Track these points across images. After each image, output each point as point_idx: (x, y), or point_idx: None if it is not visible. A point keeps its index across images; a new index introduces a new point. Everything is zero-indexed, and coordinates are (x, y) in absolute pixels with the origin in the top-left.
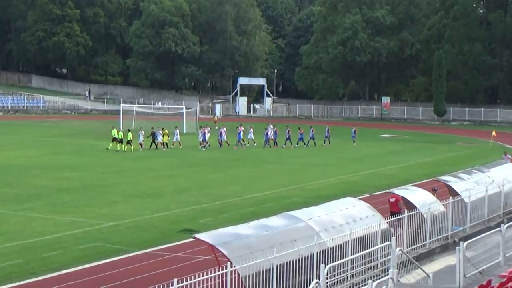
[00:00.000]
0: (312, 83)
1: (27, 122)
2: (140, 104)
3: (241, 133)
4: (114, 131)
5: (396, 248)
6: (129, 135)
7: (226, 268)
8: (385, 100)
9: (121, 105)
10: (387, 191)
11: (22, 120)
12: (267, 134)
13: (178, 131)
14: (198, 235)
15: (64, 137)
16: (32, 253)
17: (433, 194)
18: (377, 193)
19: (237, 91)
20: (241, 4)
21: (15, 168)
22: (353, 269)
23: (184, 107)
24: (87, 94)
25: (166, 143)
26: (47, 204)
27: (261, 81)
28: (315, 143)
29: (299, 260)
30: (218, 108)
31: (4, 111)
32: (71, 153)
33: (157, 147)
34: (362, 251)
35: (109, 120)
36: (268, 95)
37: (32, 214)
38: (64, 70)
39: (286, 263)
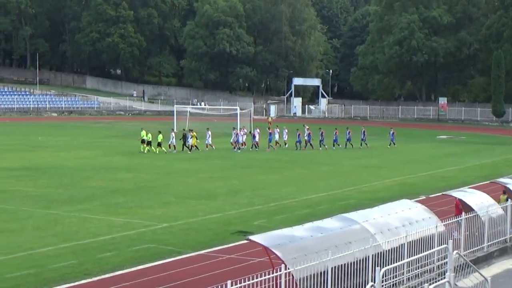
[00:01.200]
0: (367, 83)
1: (81, 123)
2: (194, 105)
3: (277, 134)
4: (143, 133)
5: (453, 251)
6: (160, 137)
7: (280, 271)
8: (442, 100)
9: (175, 106)
10: (444, 193)
11: (76, 121)
12: (299, 135)
13: (210, 133)
14: (252, 237)
15: (117, 138)
16: (86, 254)
17: (504, 195)
18: (433, 195)
19: (291, 92)
20: (296, 4)
21: (69, 169)
22: (409, 272)
23: (238, 108)
24: (135, 94)
25: (196, 146)
26: (101, 205)
27: (316, 81)
28: (352, 145)
29: (354, 262)
30: (273, 109)
31: (59, 112)
32: (124, 154)
33: (190, 150)
34: (418, 254)
35: (163, 121)
36: (323, 96)
37: (86, 215)
38: (118, 71)
39: (341, 265)
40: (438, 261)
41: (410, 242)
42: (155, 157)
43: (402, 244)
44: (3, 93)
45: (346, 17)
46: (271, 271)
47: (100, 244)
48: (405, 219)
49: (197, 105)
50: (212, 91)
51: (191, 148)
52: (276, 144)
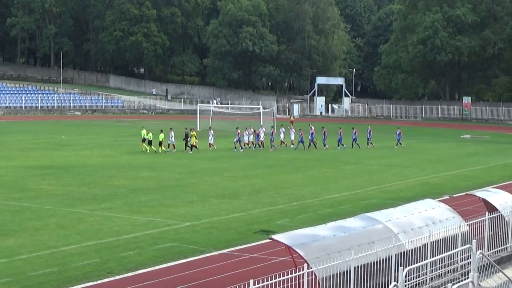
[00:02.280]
0: (391, 82)
1: (104, 122)
2: (216, 103)
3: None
4: (144, 132)
5: (476, 251)
6: (161, 135)
7: (303, 270)
8: (466, 100)
9: (198, 105)
10: (467, 193)
11: (100, 120)
12: (310, 134)
13: (212, 132)
14: (274, 236)
15: (141, 137)
16: (109, 253)
17: None
18: (457, 195)
19: (315, 91)
20: (319, 2)
21: (92, 167)
22: (432, 272)
23: (261, 107)
24: (154, 92)
25: (194, 145)
26: (124, 204)
27: (339, 80)
28: (358, 145)
29: (377, 262)
30: (296, 108)
31: (82, 111)
32: (147, 153)
33: (191, 149)
34: (442, 253)
35: (186, 120)
36: (346, 95)
37: (109, 213)
38: (142, 70)
39: (364, 265)
40: (462, 261)
41: (433, 242)
42: (179, 156)
43: (425, 244)
44: (27, 92)
45: (370, 16)
46: (293, 271)
47: (123, 242)
48: (428, 218)
49: (213, 103)
50: (235, 90)
51: (192, 147)
52: (281, 144)
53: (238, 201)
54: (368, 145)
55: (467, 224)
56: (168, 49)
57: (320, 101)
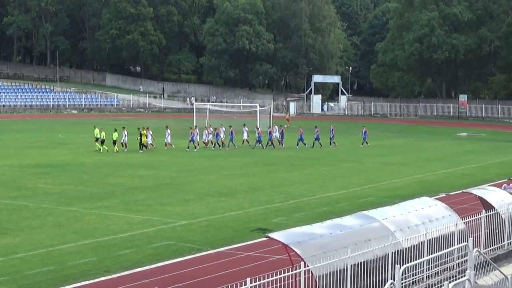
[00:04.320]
0: (387, 80)
1: (100, 121)
2: (213, 102)
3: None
4: (97, 131)
5: (473, 249)
6: (114, 135)
7: (299, 268)
8: (463, 98)
9: (195, 103)
10: (464, 191)
11: (96, 119)
12: (270, 133)
13: (169, 131)
14: (271, 234)
15: (137, 135)
16: (106, 251)
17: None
18: (454, 192)
19: (311, 89)
20: (316, 1)
21: (89, 166)
22: (428, 270)
23: (257, 105)
24: (141, 89)
25: (144, 145)
26: (121, 203)
27: (336, 79)
28: (320, 144)
29: (373, 260)
30: (293, 106)
31: (79, 110)
32: (144, 151)
33: (141, 148)
34: (438, 251)
35: (182, 118)
36: (342, 93)
37: (106, 212)
38: (138, 69)
39: (361, 263)
40: (458, 259)
41: (430, 239)
42: (176, 154)
43: (422, 242)
44: (24, 90)
45: (366, 14)
46: (290, 269)
47: (120, 241)
48: (425, 216)
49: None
50: (231, 88)
51: (142, 147)
52: (243, 143)
53: (235, 199)
54: (331, 144)
55: (464, 222)
56: (165, 47)
57: (316, 99)
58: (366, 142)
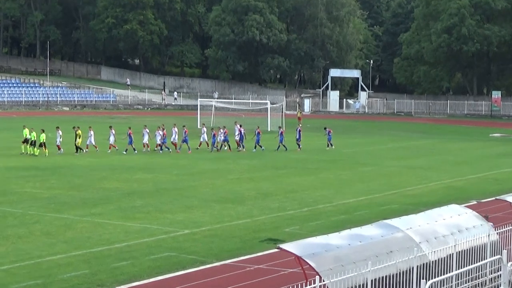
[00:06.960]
0: (412, 75)
1: (95, 118)
2: (216, 98)
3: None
4: (26, 131)
5: (507, 262)
6: (42, 136)
7: (314, 283)
8: (496, 94)
9: (199, 99)
10: (497, 197)
11: (90, 116)
12: (214, 136)
13: (113, 132)
14: (283, 245)
15: (136, 135)
16: (100, 263)
17: None
18: (485, 200)
19: (328, 85)
20: None
21: (81, 168)
22: (458, 286)
23: (268, 102)
24: (128, 83)
25: (79, 147)
26: (117, 209)
27: (355, 73)
28: (285, 147)
29: (396, 274)
30: (307, 104)
31: (71, 106)
32: (143, 152)
33: (77, 150)
34: (469, 265)
35: (185, 116)
36: (363, 89)
37: (100, 219)
38: (137, 61)
39: (382, 277)
40: (491, 273)
41: (459, 252)
42: (177, 157)
43: (450, 254)
44: (10, 85)
45: (389, 2)
46: (304, 284)
47: (115, 252)
48: (454, 226)
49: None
50: (240, 84)
51: (77, 149)
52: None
53: (242, 206)
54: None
55: (497, 233)
56: (166, 38)
57: (333, 95)
58: (331, 144)
